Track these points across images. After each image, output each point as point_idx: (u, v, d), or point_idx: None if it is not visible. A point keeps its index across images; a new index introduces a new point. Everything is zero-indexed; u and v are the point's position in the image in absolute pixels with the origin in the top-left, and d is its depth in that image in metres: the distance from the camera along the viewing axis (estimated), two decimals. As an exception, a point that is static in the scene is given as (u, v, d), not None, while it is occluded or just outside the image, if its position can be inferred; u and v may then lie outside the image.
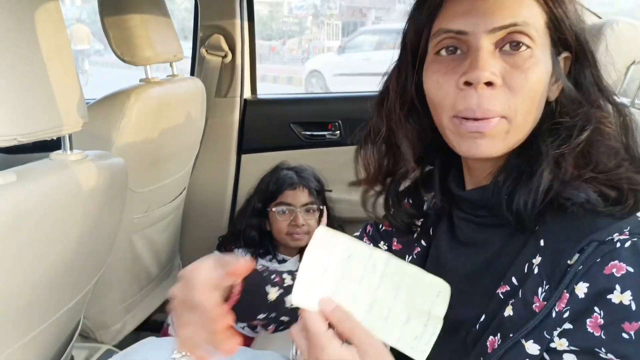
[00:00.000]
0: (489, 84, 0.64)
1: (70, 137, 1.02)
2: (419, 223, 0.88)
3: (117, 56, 1.50)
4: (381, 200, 0.85)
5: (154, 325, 1.97)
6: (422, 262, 0.87)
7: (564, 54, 0.69)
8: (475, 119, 0.66)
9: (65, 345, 1.19)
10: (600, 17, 1.59)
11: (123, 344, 1.69)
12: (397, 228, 0.87)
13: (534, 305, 0.65)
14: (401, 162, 0.79)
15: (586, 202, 0.63)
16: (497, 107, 0.65)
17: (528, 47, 0.65)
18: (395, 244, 0.90)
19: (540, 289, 0.65)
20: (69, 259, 1.02)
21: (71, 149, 1.03)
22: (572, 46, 0.69)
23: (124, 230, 1.55)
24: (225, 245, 1.81)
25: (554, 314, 0.63)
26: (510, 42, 0.65)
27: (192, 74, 2.04)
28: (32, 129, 0.87)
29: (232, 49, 1.95)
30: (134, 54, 1.48)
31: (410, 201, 0.87)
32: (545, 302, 0.64)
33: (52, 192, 0.93)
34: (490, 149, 0.67)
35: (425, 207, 0.86)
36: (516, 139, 0.68)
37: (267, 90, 2.53)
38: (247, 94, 2.07)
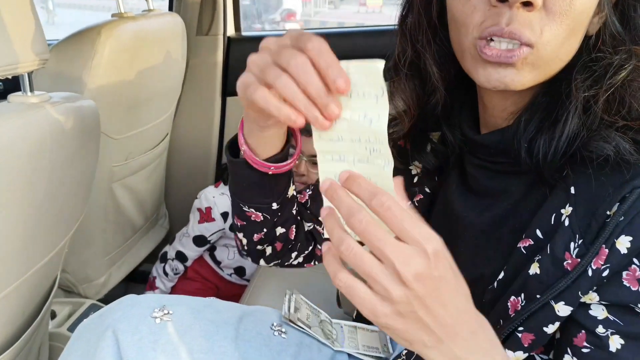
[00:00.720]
0: (527, 4, 0.54)
1: (29, 76, 0.91)
2: (421, 166, 0.79)
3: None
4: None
5: (142, 277, 1.92)
6: (426, 210, 0.78)
7: None
8: (501, 50, 0.57)
9: (44, 301, 1.12)
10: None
11: (109, 298, 1.63)
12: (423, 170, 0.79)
13: (565, 263, 0.58)
14: (430, 90, 0.70)
15: (615, 154, 0.55)
16: (528, 32, 0.55)
17: None
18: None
19: (572, 244, 0.58)
20: (38, 211, 0.93)
21: (31, 90, 0.91)
22: None
23: (103, 180, 1.47)
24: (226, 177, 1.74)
25: (590, 272, 0.56)
26: None
27: (170, 9, 1.88)
28: (-18, 67, 0.76)
29: (213, -19, 1.80)
30: None
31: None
32: (580, 259, 0.56)
33: (11, 138, 0.82)
34: (514, 79, 0.58)
35: (428, 148, 0.77)
36: (544, 72, 0.59)
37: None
38: (231, 32, 1.93)
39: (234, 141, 0.74)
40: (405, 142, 0.79)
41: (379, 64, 0.48)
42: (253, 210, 0.77)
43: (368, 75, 0.49)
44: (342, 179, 0.49)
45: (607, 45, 0.58)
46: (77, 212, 1.18)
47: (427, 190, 0.79)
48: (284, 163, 0.72)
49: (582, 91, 0.57)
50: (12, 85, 1.40)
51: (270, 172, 0.71)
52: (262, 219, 0.78)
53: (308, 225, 0.87)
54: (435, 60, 0.68)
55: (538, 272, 0.59)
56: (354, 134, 0.51)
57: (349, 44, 1.91)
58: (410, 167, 0.80)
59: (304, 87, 0.49)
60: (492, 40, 0.57)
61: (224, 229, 1.73)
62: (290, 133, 0.74)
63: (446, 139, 0.73)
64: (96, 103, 1.16)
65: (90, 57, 1.28)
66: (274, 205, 0.77)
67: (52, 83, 1.29)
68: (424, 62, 0.69)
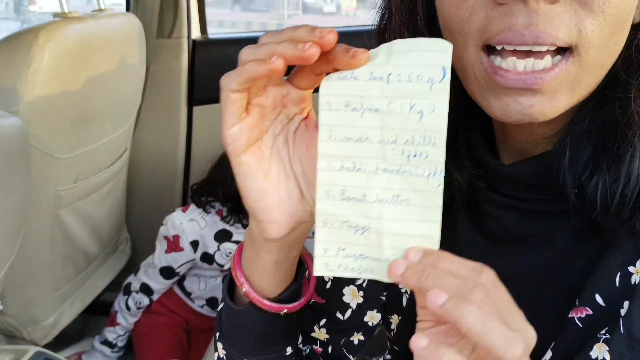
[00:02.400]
0: None
1: None
2: None
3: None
4: None
5: (103, 308, 1.73)
6: None
7: None
8: (520, 72, 0.42)
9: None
10: None
11: (60, 340, 1.44)
12: None
13: None
14: None
15: None
16: (560, 31, 0.40)
17: None
18: None
19: None
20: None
21: None
22: None
23: (48, 206, 1.29)
24: (200, 196, 1.57)
25: None
26: None
27: (127, 9, 1.72)
28: None
29: (174, -22, 1.64)
30: None
31: None
32: None
33: None
34: (545, 109, 0.43)
35: None
36: (585, 88, 0.44)
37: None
38: (196, 34, 1.79)
39: (229, 284, 0.56)
40: None
41: (444, 42, 0.39)
42: None
43: (422, 54, 0.38)
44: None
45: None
46: (9, 247, 1.02)
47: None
48: (299, 302, 0.55)
49: None
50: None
51: (282, 314, 0.54)
52: None
53: (304, 349, 0.69)
54: None
55: (607, 357, 0.44)
56: (389, 132, 0.40)
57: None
58: None
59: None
60: (504, 50, 0.42)
61: (194, 259, 1.55)
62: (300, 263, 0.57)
63: (450, 175, 0.55)
64: (35, 118, 1.03)
65: (26, 64, 1.11)
66: (289, 350, 0.59)
67: None
68: None
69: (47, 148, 1.18)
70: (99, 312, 1.74)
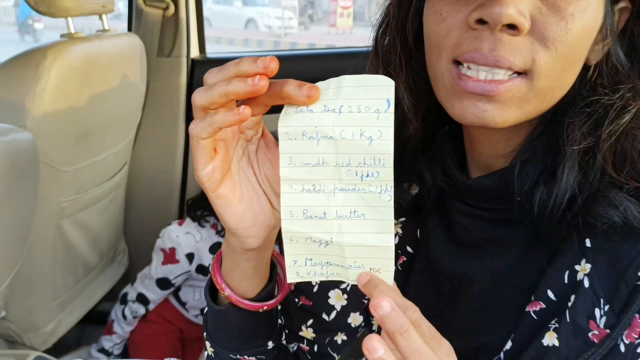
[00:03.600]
0: (512, 26, 0.46)
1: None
2: (400, 225, 0.68)
3: (30, 6, 1.25)
4: None
5: (100, 317, 1.77)
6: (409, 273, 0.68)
7: (622, 4, 0.51)
8: (480, 80, 0.49)
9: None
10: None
11: (58, 348, 1.48)
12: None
13: (590, 334, 0.49)
14: (401, 120, 0.59)
15: (623, 221, 0.48)
16: (516, 58, 0.47)
17: None
18: None
19: (597, 311, 0.49)
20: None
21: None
22: None
23: (50, 218, 1.34)
24: (195, 210, 1.62)
25: (622, 347, 0.47)
26: None
27: (129, 30, 1.78)
28: None
29: (175, 1, 1.70)
30: (51, 3, 1.24)
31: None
32: (609, 330, 0.48)
33: None
34: (495, 116, 0.49)
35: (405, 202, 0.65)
36: (534, 109, 0.51)
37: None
38: (195, 53, 1.84)
39: (211, 287, 0.62)
40: None
41: (386, 79, 0.43)
42: (246, 356, 0.64)
43: (369, 89, 0.43)
44: (361, 283, 0.46)
45: (608, 79, 0.50)
46: (15, 255, 1.06)
47: (410, 250, 0.68)
48: (275, 299, 0.61)
49: (580, 139, 0.49)
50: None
51: (261, 311, 0.60)
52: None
53: (292, 347, 0.75)
54: (409, 86, 0.59)
55: (556, 343, 0.50)
56: (343, 157, 0.44)
57: (320, 66, 1.83)
58: None
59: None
60: (469, 68, 0.49)
61: (189, 271, 1.60)
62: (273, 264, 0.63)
63: (423, 177, 0.62)
64: (40, 133, 1.07)
65: (35, 82, 1.17)
66: (270, 344, 0.65)
67: None
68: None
69: (52, 161, 1.23)
70: (95, 321, 1.77)
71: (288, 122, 0.45)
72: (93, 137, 1.39)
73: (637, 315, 0.47)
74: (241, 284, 0.58)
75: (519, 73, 0.48)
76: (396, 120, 0.57)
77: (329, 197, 0.45)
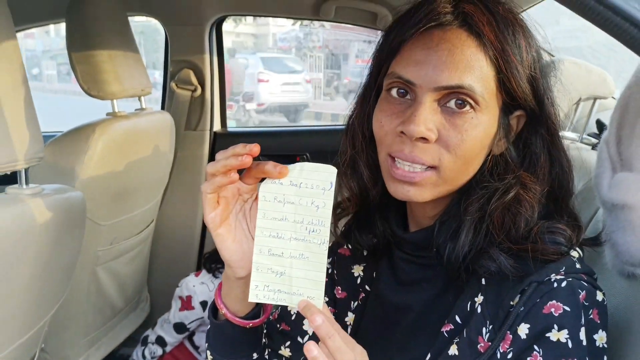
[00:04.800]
0: (423, 138, 0.66)
1: (26, 171, 1.04)
2: (362, 268, 0.88)
3: (83, 90, 1.52)
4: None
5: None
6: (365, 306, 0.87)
7: (517, 112, 0.71)
8: (395, 159, 0.69)
9: (21, 381, 1.17)
10: (552, 55, 1.65)
11: (85, 380, 1.66)
12: (356, 251, 0.88)
13: (479, 346, 0.67)
14: (364, 188, 0.79)
15: (497, 270, 0.67)
16: (427, 158, 0.67)
17: (472, 108, 0.66)
18: (339, 292, 0.89)
19: (484, 329, 0.67)
20: (20, 293, 1.02)
21: (27, 183, 1.04)
22: (526, 107, 0.70)
23: (87, 263, 1.54)
24: (210, 263, 1.82)
25: (498, 355, 0.65)
26: (456, 100, 0.66)
27: (162, 107, 2.05)
28: (-15, 164, 0.89)
29: (202, 83, 1.98)
30: (101, 88, 1.50)
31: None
32: (490, 343, 0.66)
33: (6, 226, 0.94)
34: (417, 195, 0.70)
35: (365, 252, 0.86)
36: (447, 189, 0.71)
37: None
38: (217, 127, 2.09)
39: (213, 307, 0.81)
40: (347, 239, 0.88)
41: (331, 168, 0.62)
42: None
43: (319, 173, 0.62)
44: (300, 307, 0.63)
45: (500, 168, 0.70)
46: (59, 294, 1.26)
47: (367, 288, 0.87)
48: (260, 319, 0.79)
49: (474, 211, 0.69)
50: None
51: (248, 327, 0.78)
52: None
53: None
54: (368, 164, 0.78)
55: (457, 353, 0.68)
56: (299, 216, 0.62)
57: (320, 141, 2.09)
58: (353, 270, 0.89)
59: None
60: (398, 161, 0.69)
61: (202, 317, 1.79)
62: None
63: (377, 230, 0.82)
64: (85, 192, 1.26)
65: (84, 151, 1.41)
66: (255, 355, 0.84)
67: (47, 173, 1.39)
68: (358, 163, 0.80)
69: (93, 216, 1.46)
70: (117, 363, 1.96)
71: (265, 189, 0.64)
72: (127, 197, 1.62)
73: (508, 331, 0.64)
74: (235, 305, 0.76)
75: (431, 167, 0.67)
76: (359, 188, 0.80)
77: (286, 242, 0.63)
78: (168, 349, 1.85)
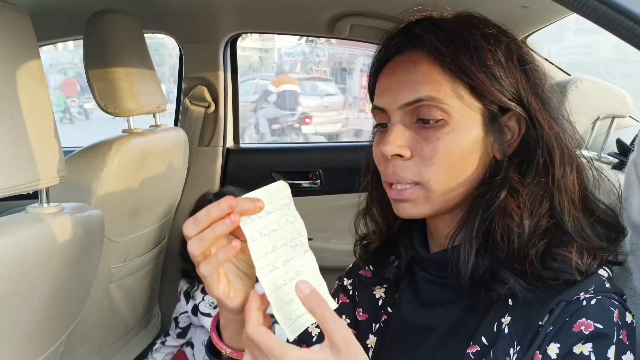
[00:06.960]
0: (399, 156, 0.70)
1: (47, 190, 1.04)
2: (383, 290, 0.88)
3: (100, 107, 1.53)
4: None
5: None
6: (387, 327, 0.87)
7: (508, 115, 0.71)
8: (392, 184, 0.73)
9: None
10: (568, 74, 1.66)
11: (97, 397, 1.66)
12: (378, 273, 0.88)
13: None
14: (382, 223, 0.85)
15: (507, 293, 0.67)
16: (408, 175, 0.71)
17: (441, 118, 0.69)
18: (360, 314, 0.89)
19: (512, 350, 0.67)
20: (40, 312, 1.01)
21: (48, 202, 1.04)
22: (516, 107, 0.70)
23: (101, 281, 1.55)
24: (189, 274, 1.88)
25: None
26: (423, 113, 0.70)
27: (175, 123, 2.06)
28: (9, 184, 0.89)
29: (215, 100, 1.99)
30: (117, 105, 1.51)
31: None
32: None
33: (27, 245, 0.94)
34: (413, 211, 0.73)
35: (387, 274, 0.86)
36: (443, 202, 0.72)
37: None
38: (230, 143, 2.10)
39: (210, 345, 0.78)
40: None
41: (282, 183, 0.63)
42: None
43: (274, 194, 0.63)
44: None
45: (492, 174, 0.71)
46: (75, 312, 1.26)
47: (389, 310, 0.87)
48: None
49: (479, 223, 0.70)
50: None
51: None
52: None
53: None
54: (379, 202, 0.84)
55: None
56: (281, 240, 0.63)
57: (328, 157, 2.09)
58: (374, 292, 0.89)
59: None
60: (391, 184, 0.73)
61: (187, 311, 1.83)
62: None
63: (400, 253, 0.84)
64: (101, 209, 1.26)
65: (100, 168, 1.41)
66: None
67: (63, 190, 1.39)
68: (373, 202, 0.86)
69: (108, 233, 1.45)
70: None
71: (249, 229, 0.61)
72: (141, 213, 1.63)
73: (537, 352, 0.64)
74: (231, 340, 0.72)
75: (416, 183, 0.70)
76: (380, 224, 0.85)
77: (283, 269, 0.63)
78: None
